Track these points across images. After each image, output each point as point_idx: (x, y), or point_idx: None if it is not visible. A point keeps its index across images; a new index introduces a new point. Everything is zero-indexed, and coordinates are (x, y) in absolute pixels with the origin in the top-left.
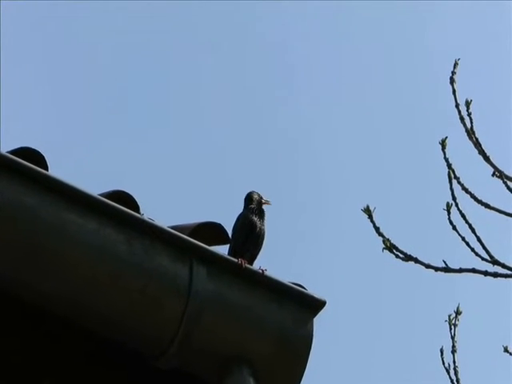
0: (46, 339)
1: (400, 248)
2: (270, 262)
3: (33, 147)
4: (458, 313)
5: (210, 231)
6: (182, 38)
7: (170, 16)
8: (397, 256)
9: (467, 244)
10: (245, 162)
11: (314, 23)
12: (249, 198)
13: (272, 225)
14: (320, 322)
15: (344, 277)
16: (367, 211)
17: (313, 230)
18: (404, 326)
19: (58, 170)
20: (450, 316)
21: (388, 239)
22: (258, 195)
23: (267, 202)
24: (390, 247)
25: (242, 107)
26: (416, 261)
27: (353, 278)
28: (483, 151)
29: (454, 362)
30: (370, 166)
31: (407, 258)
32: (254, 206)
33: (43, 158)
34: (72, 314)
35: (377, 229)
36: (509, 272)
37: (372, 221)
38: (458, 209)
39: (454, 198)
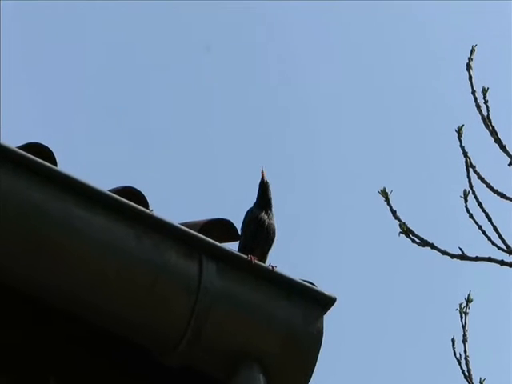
0: (53, 335)
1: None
2: (280, 257)
3: (41, 143)
4: (468, 300)
5: (220, 228)
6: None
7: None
8: (413, 241)
9: (484, 233)
10: (253, 154)
11: None
12: (261, 187)
13: (282, 215)
14: (331, 315)
15: (357, 260)
16: (384, 193)
17: (327, 214)
18: (416, 314)
19: (66, 166)
20: (460, 304)
21: (405, 223)
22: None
23: (263, 174)
24: (407, 232)
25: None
26: (432, 246)
27: (366, 262)
28: (499, 140)
29: (465, 351)
30: (387, 152)
31: (424, 243)
32: (260, 201)
33: (52, 153)
34: (80, 310)
35: (393, 212)
36: None
37: (389, 204)
38: (475, 197)
39: (471, 186)
